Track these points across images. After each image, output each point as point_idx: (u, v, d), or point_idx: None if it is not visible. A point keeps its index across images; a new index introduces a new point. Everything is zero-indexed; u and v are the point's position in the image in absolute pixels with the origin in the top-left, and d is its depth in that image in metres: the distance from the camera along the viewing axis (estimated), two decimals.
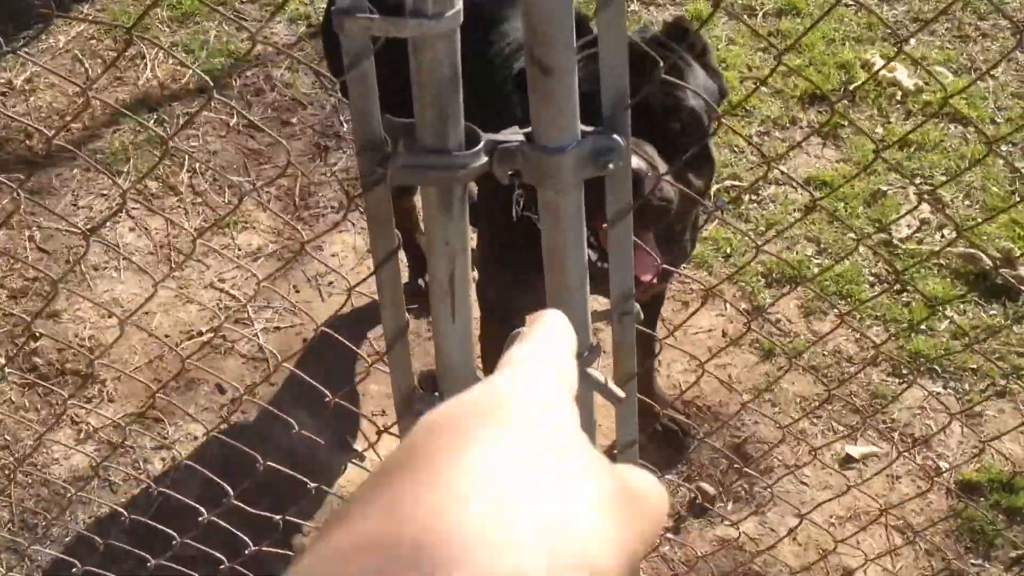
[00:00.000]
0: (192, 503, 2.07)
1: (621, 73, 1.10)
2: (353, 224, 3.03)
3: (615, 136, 1.10)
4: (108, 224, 3.11)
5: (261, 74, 3.60)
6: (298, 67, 3.58)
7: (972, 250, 2.73)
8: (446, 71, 1.01)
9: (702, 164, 1.86)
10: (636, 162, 1.49)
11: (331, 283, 2.87)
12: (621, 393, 1.22)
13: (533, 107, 1.06)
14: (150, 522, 2.13)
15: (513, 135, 1.10)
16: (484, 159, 1.08)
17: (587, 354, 1.25)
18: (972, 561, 2.16)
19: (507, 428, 0.38)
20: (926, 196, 2.94)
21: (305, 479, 2.16)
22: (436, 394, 1.34)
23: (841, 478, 2.31)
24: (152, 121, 3.42)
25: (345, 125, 3.36)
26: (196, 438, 2.53)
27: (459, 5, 0.99)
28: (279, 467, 2.45)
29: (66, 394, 2.62)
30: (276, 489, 2.37)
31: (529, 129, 1.10)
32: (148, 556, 2.21)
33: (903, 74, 3.34)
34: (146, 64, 3.64)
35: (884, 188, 2.98)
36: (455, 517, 0.33)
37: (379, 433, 1.66)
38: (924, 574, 2.13)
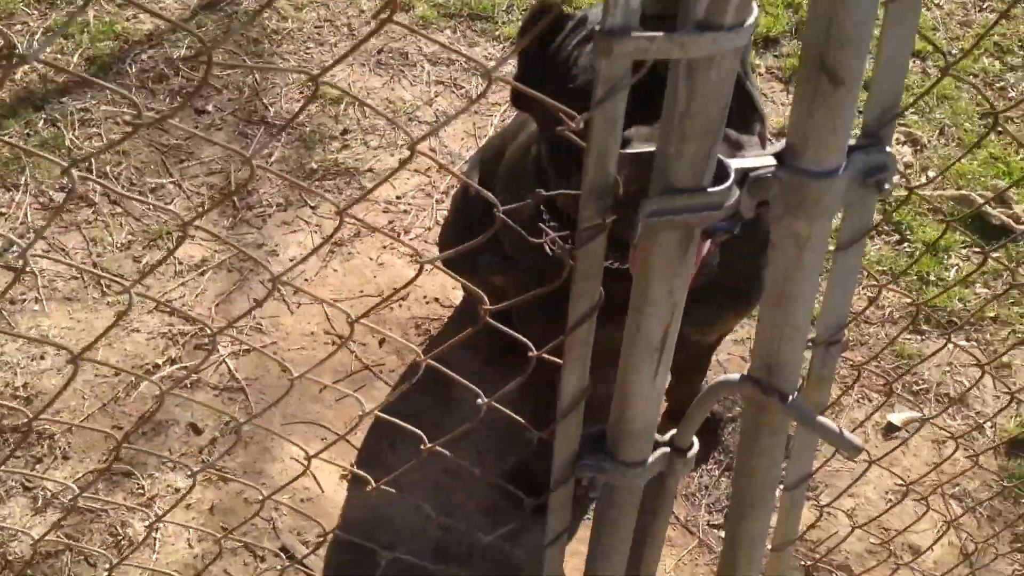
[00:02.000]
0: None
1: (901, 75, 0.91)
2: (307, 223, 2.73)
3: (888, 150, 0.92)
4: (12, 248, 2.70)
5: (159, 56, 3.20)
6: (200, 46, 3.19)
7: (964, 192, 2.67)
8: (725, 96, 0.80)
9: (747, 117, 1.41)
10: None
11: (296, 291, 2.58)
12: (859, 442, 1.05)
13: (802, 126, 0.86)
14: None
15: (762, 160, 0.90)
16: (737, 193, 0.88)
17: (796, 395, 1.08)
18: None
19: None
20: (902, 137, 2.87)
21: (316, 519, 1.91)
22: (606, 457, 1.14)
23: (886, 449, 2.23)
24: (42, 122, 2.99)
25: (271, 109, 3.02)
26: (178, 489, 2.22)
27: (756, 11, 0.78)
28: (287, 504, 2.18)
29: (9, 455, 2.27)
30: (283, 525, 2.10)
31: (778, 149, 0.90)
32: None
33: None
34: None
35: None
36: None
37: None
38: (990, 541, 2.08)
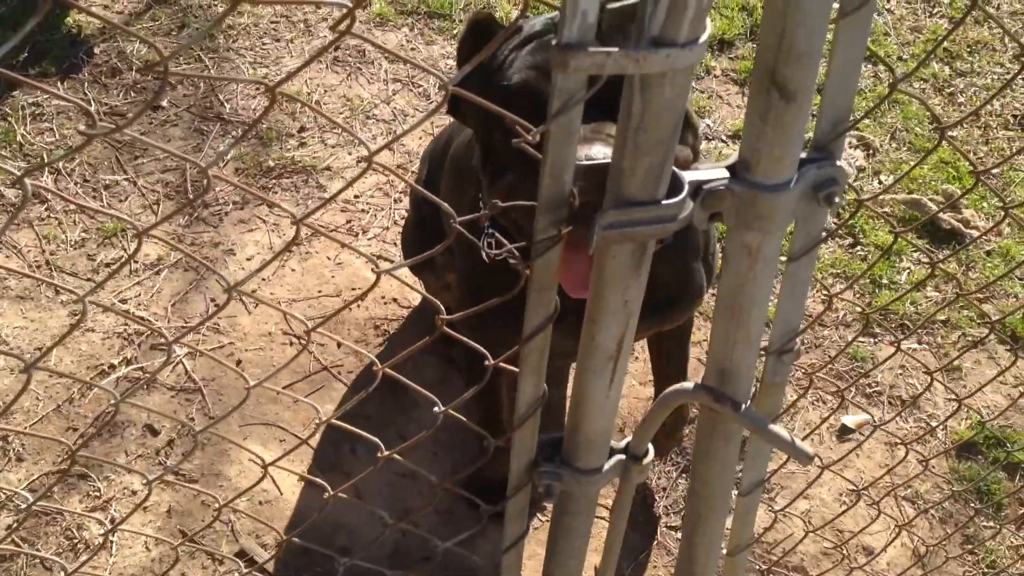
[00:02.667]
0: None
1: (851, 89, 0.92)
2: (264, 221, 2.70)
3: (838, 164, 0.93)
4: None
5: (112, 51, 3.16)
6: (155, 40, 3.16)
7: (916, 196, 2.72)
8: (679, 111, 0.81)
9: (683, 132, 1.57)
10: (598, 148, 1.29)
11: (254, 291, 2.56)
12: (810, 450, 1.06)
13: (753, 139, 0.88)
14: None
15: (715, 172, 0.91)
16: (691, 206, 0.89)
17: (749, 403, 1.09)
18: (984, 524, 2.16)
19: None
20: (855, 141, 2.91)
21: (272, 526, 1.90)
22: (562, 464, 1.14)
23: (841, 451, 2.26)
24: None
25: (227, 105, 3.00)
26: (135, 492, 2.20)
27: (710, 28, 0.78)
28: (245, 509, 2.17)
29: None
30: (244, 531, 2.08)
31: (730, 162, 0.91)
32: None
33: None
34: None
35: None
36: None
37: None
38: (942, 543, 2.11)
